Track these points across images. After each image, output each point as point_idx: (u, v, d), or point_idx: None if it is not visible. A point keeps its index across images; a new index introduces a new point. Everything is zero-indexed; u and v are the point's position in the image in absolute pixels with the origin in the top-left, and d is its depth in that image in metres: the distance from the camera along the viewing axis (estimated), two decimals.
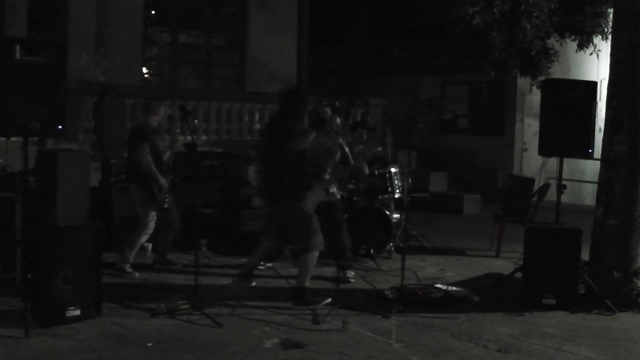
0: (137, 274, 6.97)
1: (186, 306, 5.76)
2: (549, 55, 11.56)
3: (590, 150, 6.66)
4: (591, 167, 12.88)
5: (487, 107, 14.99)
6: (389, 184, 8.24)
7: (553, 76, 10.97)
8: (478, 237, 9.81)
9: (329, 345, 5.14)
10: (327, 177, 6.81)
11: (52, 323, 5.26)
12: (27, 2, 10.34)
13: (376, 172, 8.23)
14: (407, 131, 9.04)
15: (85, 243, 5.44)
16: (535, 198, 9.00)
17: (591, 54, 11.98)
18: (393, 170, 8.32)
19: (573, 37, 11.91)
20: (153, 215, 7.06)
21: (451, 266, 8.03)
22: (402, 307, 6.01)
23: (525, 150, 14.34)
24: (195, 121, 10.04)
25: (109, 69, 11.15)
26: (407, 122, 7.45)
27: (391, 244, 8.27)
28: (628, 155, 6.43)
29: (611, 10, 8.04)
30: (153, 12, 12.38)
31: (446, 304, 6.28)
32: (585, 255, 6.63)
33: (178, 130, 8.58)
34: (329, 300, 6.07)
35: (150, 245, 7.73)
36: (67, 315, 5.33)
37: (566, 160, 7.14)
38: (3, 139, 6.71)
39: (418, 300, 6.28)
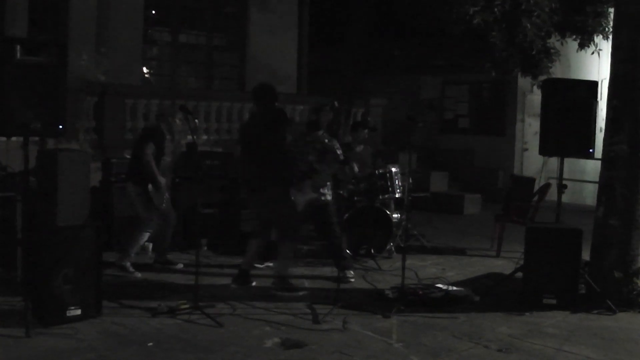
0: (139, 274, 6.97)
1: (187, 306, 5.76)
2: (549, 54, 11.56)
3: (590, 150, 6.66)
4: (592, 167, 12.89)
5: (487, 107, 14.99)
6: (389, 184, 8.24)
7: (554, 76, 10.98)
8: (478, 237, 9.81)
9: (329, 345, 5.14)
10: (319, 177, 6.96)
11: (53, 323, 5.27)
12: (28, 2, 10.34)
13: (377, 171, 8.23)
14: (408, 131, 9.03)
15: (86, 243, 5.44)
16: (535, 198, 9.01)
17: (592, 53, 11.98)
18: (394, 170, 8.32)
19: (574, 36, 11.91)
20: (155, 218, 7.08)
21: (451, 266, 8.03)
22: (403, 307, 6.01)
23: (526, 150, 14.34)
24: (196, 121, 10.05)
25: (110, 69, 11.15)
26: (407, 122, 7.45)
27: (392, 244, 8.28)
28: (629, 155, 6.43)
29: (612, 10, 8.03)
30: (153, 11, 12.38)
31: (446, 303, 6.28)
32: (585, 255, 6.63)
33: (183, 141, 8.58)
34: (305, 290, 6.51)
35: (150, 245, 7.73)
36: (67, 314, 5.33)
37: (567, 160, 7.14)
38: (3, 138, 6.71)
39: (418, 300, 6.28)
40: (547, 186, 9.06)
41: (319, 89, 13.20)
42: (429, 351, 5.11)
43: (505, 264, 8.03)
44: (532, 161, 13.71)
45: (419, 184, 11.67)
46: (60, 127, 5.26)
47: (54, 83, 5.18)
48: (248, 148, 6.62)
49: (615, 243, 6.47)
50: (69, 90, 5.51)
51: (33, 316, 5.15)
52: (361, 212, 8.01)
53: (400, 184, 8.34)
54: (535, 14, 10.80)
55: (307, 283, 6.98)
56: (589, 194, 13.43)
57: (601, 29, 11.59)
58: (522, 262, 6.62)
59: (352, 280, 7.07)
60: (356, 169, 8.01)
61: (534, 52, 11.29)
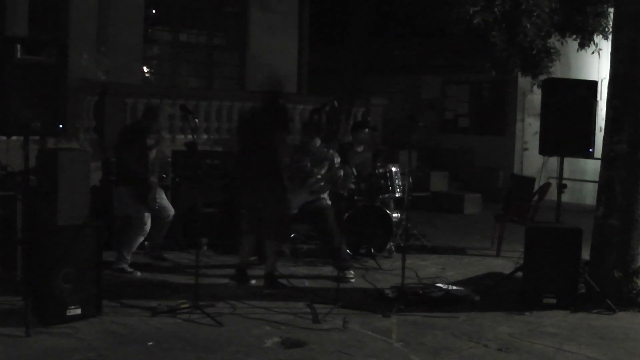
0: (138, 273, 6.98)
1: (187, 305, 5.76)
2: (549, 54, 11.56)
3: (590, 150, 6.66)
4: (592, 167, 12.89)
5: (487, 107, 14.99)
6: (389, 183, 8.24)
7: (554, 75, 10.98)
8: (478, 237, 9.82)
9: (329, 344, 5.14)
10: (315, 180, 7.02)
11: (53, 322, 5.27)
12: (28, 1, 10.34)
13: (377, 171, 8.23)
14: (408, 131, 9.04)
15: (86, 242, 5.45)
16: (535, 197, 9.01)
17: (592, 53, 11.98)
18: (394, 169, 8.32)
19: (574, 36, 11.91)
20: (147, 216, 7.07)
21: (452, 265, 8.03)
22: (403, 307, 6.02)
23: (526, 149, 14.34)
24: (196, 120, 10.04)
25: (110, 68, 11.15)
26: (407, 121, 7.46)
27: (392, 243, 8.28)
28: (628, 154, 6.43)
29: (612, 10, 8.03)
30: (154, 11, 12.38)
31: (447, 303, 6.28)
32: (585, 255, 6.63)
33: (167, 136, 8.48)
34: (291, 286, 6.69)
35: (147, 243, 7.72)
36: (67, 314, 5.33)
37: (567, 160, 7.14)
38: (4, 138, 6.71)
39: (418, 299, 6.28)
40: (547, 186, 9.06)
41: (319, 89, 13.19)
42: (429, 350, 5.12)
43: (505, 264, 8.04)
44: (532, 161, 13.71)
45: (419, 184, 11.66)
46: (61, 126, 5.25)
47: (54, 82, 5.17)
48: (249, 146, 6.61)
49: (615, 243, 6.47)
50: (69, 89, 5.51)
51: (33, 315, 5.15)
52: (361, 211, 8.01)
53: (400, 183, 8.33)
54: (536, 13, 10.80)
55: (307, 282, 6.98)
56: (589, 194, 13.43)
57: (601, 28, 11.58)
58: (522, 261, 6.62)
59: (352, 279, 7.07)
60: (354, 171, 7.98)
61: (534, 52, 11.29)
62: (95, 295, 5.51)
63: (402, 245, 7.65)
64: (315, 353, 4.97)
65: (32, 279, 5.28)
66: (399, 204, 8.78)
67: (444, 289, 6.57)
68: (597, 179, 6.86)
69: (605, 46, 11.38)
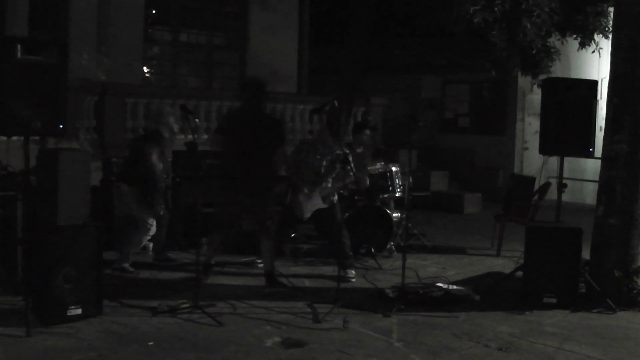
0: (139, 273, 6.97)
1: (187, 305, 5.76)
2: (550, 54, 11.55)
3: (590, 149, 6.66)
4: (592, 166, 12.88)
5: (487, 106, 14.99)
6: (389, 183, 8.24)
7: (554, 75, 10.96)
8: (479, 236, 9.82)
9: (329, 344, 5.14)
10: (328, 185, 7.04)
11: (53, 322, 5.27)
12: (28, 1, 10.34)
13: (377, 170, 8.23)
14: (408, 130, 9.03)
15: (86, 242, 5.45)
16: (535, 197, 9.01)
17: (593, 52, 11.97)
18: (394, 169, 8.32)
19: (574, 35, 11.90)
20: (152, 219, 7.08)
21: (452, 265, 8.03)
22: (403, 306, 6.02)
23: (526, 149, 14.34)
24: (196, 120, 10.05)
25: (110, 68, 11.15)
26: (408, 121, 7.45)
27: (392, 243, 8.28)
28: (629, 154, 6.43)
29: (612, 9, 8.03)
30: (154, 11, 12.38)
31: (447, 302, 6.29)
32: (585, 254, 6.63)
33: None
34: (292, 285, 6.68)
35: (151, 245, 7.73)
36: (68, 314, 5.33)
37: (567, 159, 7.14)
38: (4, 138, 6.71)
39: (419, 299, 6.28)
40: (547, 185, 9.06)
41: (319, 89, 13.20)
42: (429, 350, 5.12)
43: (505, 263, 8.04)
44: (532, 160, 13.71)
45: (419, 183, 11.66)
46: (61, 126, 5.26)
47: (54, 82, 5.18)
48: (243, 148, 6.55)
49: (615, 242, 6.47)
50: (69, 89, 5.50)
51: (33, 315, 5.15)
52: (362, 211, 8.01)
53: (400, 183, 8.34)
54: (536, 13, 10.79)
55: (307, 282, 6.99)
56: (589, 193, 13.42)
57: (601, 27, 11.58)
58: (522, 261, 6.63)
59: (353, 279, 7.07)
60: (367, 181, 7.97)
61: (534, 52, 11.28)
62: (96, 295, 5.52)
63: (402, 245, 7.65)
64: (316, 353, 4.97)
65: (33, 279, 5.28)
66: (399, 204, 8.78)
67: (444, 289, 6.57)
68: (597, 178, 6.86)
69: (605, 45, 11.36)
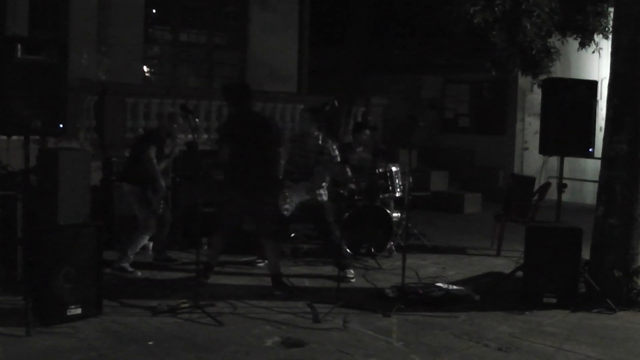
0: (139, 273, 6.97)
1: (187, 305, 5.76)
2: (550, 54, 11.55)
3: (590, 149, 6.66)
4: (592, 166, 12.88)
5: (488, 106, 14.99)
6: (389, 183, 8.24)
7: (554, 75, 10.97)
8: (479, 236, 9.82)
9: (329, 344, 5.14)
10: (314, 179, 6.97)
11: (53, 321, 5.27)
12: (28, 1, 10.34)
13: (377, 170, 8.23)
14: (408, 130, 9.03)
15: (86, 241, 5.45)
16: (535, 197, 9.01)
17: (593, 52, 11.98)
18: (394, 169, 8.32)
19: (574, 35, 11.90)
20: (153, 221, 7.08)
21: (452, 265, 8.03)
22: (403, 306, 6.02)
23: (526, 149, 14.34)
24: (197, 120, 10.05)
25: (110, 68, 11.15)
26: (408, 121, 7.45)
27: (392, 243, 8.28)
28: (629, 154, 6.43)
29: (612, 9, 8.03)
30: (154, 10, 12.38)
31: (447, 302, 6.29)
32: (585, 254, 6.63)
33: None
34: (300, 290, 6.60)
35: (151, 244, 7.74)
36: (68, 313, 5.33)
37: (567, 159, 7.14)
38: (4, 137, 6.71)
39: (419, 299, 6.28)
40: (547, 185, 9.07)
41: (319, 89, 13.19)
42: (429, 350, 5.12)
43: (505, 263, 8.04)
44: (532, 160, 13.71)
45: (419, 183, 11.67)
46: (61, 126, 5.26)
47: (54, 82, 5.18)
48: (244, 151, 6.56)
49: (615, 242, 6.47)
50: (69, 89, 5.51)
51: (33, 315, 5.15)
52: (361, 211, 8.01)
53: (400, 183, 8.34)
54: (536, 13, 10.79)
55: (307, 282, 6.99)
56: (589, 193, 13.43)
57: (601, 28, 11.58)
58: (522, 261, 6.63)
59: (353, 279, 7.07)
60: (349, 172, 7.94)
61: (534, 52, 11.28)
62: (96, 294, 5.52)
63: (402, 244, 7.65)
64: (316, 353, 4.97)
65: (33, 278, 5.28)
66: (399, 204, 8.79)
67: (444, 289, 6.57)
68: (597, 178, 6.86)
69: (605, 45, 11.37)
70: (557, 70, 12.16)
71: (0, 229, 6.33)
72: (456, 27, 10.96)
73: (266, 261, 7.33)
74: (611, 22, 8.71)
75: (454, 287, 6.71)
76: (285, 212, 6.93)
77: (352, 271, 7.16)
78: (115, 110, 10.12)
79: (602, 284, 6.39)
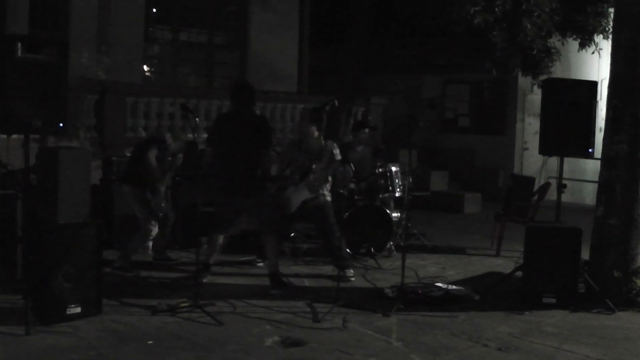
0: (139, 273, 6.97)
1: (187, 304, 5.76)
2: (550, 54, 11.56)
3: (590, 150, 6.67)
4: (591, 167, 12.88)
5: (488, 107, 14.98)
6: (389, 183, 8.24)
7: (554, 75, 10.98)
8: (478, 236, 9.82)
9: (329, 343, 5.14)
10: (316, 176, 6.94)
11: (53, 320, 5.27)
12: (29, 0, 10.34)
13: (377, 170, 8.23)
14: (408, 130, 9.03)
15: (86, 241, 5.45)
16: (535, 197, 9.01)
17: (593, 52, 11.99)
18: (394, 168, 8.32)
19: (574, 36, 11.91)
20: (154, 222, 7.08)
21: (452, 265, 8.03)
22: (403, 306, 6.02)
23: (526, 149, 14.34)
24: (197, 119, 10.04)
25: (110, 67, 11.14)
26: (408, 121, 7.45)
27: (392, 243, 8.28)
28: (628, 154, 6.43)
29: (612, 9, 8.04)
30: (154, 10, 12.38)
31: (446, 302, 6.29)
32: (585, 255, 6.63)
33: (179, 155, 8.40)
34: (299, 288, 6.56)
35: (150, 244, 7.73)
36: (67, 312, 5.34)
37: (567, 160, 7.15)
38: (4, 136, 6.71)
39: (418, 298, 6.28)
40: (547, 185, 9.07)
41: (319, 89, 13.18)
42: (429, 350, 5.12)
43: (505, 263, 8.04)
44: (532, 160, 13.70)
45: (419, 183, 11.66)
46: (61, 125, 5.26)
47: (54, 81, 5.18)
48: (232, 151, 6.55)
49: (615, 242, 6.47)
50: (69, 88, 5.50)
51: (33, 314, 5.15)
52: (361, 211, 8.01)
53: (400, 182, 8.34)
54: (536, 14, 10.80)
55: (307, 282, 6.99)
56: (589, 194, 13.43)
57: (601, 28, 11.58)
58: (521, 261, 6.63)
59: (352, 279, 7.07)
60: (351, 172, 7.95)
61: (534, 52, 11.29)
62: (95, 294, 5.52)
63: (402, 244, 7.64)
64: (315, 352, 4.97)
65: (32, 277, 5.28)
66: (399, 204, 8.78)
67: (444, 289, 6.57)
68: (597, 179, 6.86)
69: (605, 46, 11.38)
70: (557, 71, 12.17)
71: (0, 228, 6.33)
72: (456, 27, 10.97)
73: (266, 261, 7.34)
74: (611, 23, 8.73)
75: (454, 287, 6.72)
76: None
77: (351, 271, 7.16)
78: (115, 110, 10.11)
79: (602, 284, 6.39)
